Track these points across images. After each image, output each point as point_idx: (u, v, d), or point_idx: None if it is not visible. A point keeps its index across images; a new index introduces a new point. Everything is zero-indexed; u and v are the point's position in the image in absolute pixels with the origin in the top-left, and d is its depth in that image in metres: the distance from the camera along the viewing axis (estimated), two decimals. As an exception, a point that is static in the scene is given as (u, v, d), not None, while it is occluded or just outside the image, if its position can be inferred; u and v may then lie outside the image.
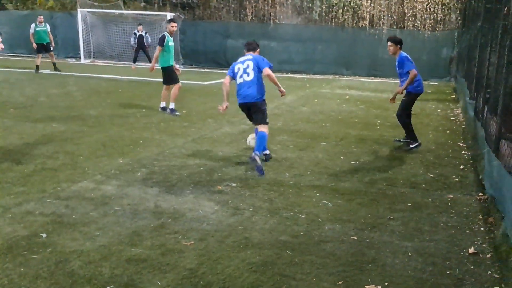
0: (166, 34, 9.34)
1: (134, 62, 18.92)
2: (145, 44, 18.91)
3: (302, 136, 7.93)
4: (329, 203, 4.76)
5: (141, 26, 18.99)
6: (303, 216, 4.39)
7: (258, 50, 6.87)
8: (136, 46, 18.79)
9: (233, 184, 5.26)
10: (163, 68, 9.34)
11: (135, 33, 19.03)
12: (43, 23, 16.53)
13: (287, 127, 8.59)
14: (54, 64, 16.54)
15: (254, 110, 6.38)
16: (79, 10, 21.58)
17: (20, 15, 23.76)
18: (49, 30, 16.66)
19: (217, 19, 22.44)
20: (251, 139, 6.66)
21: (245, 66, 6.42)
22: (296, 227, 4.15)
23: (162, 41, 9.12)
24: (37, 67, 16.14)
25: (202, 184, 5.25)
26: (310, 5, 21.22)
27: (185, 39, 22.05)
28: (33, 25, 16.23)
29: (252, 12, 21.82)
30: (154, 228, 4.01)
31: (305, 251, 3.68)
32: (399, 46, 7.10)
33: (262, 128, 6.18)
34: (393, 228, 4.17)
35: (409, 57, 7.08)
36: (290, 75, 20.43)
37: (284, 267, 3.42)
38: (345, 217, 4.40)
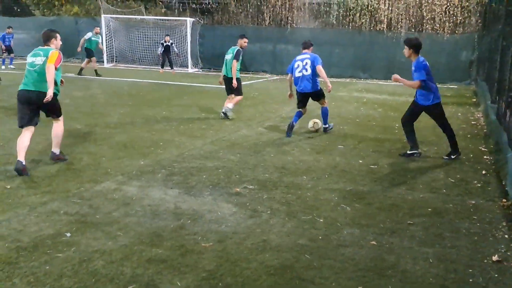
0: (240, 49, 9.89)
1: (162, 67, 20.19)
2: (171, 53, 20.02)
3: (319, 139, 7.93)
4: (347, 207, 4.76)
5: (168, 37, 20.06)
6: (321, 220, 4.40)
7: (312, 47, 8.93)
8: (162, 53, 19.88)
9: (251, 187, 5.30)
10: (237, 79, 9.67)
11: (162, 43, 19.80)
12: (98, 34, 17.81)
13: (304, 130, 8.61)
14: (95, 70, 17.45)
15: (312, 96, 8.42)
16: (102, 16, 21.96)
17: (47, 21, 24.27)
18: (100, 40, 17.86)
19: (235, 24, 22.58)
20: (311, 123, 8.55)
21: (304, 63, 8.29)
22: (314, 230, 4.16)
23: (238, 55, 9.69)
24: (81, 69, 17.22)
25: (220, 186, 5.30)
26: (328, 9, 21.21)
27: (204, 43, 22.24)
28: (89, 34, 17.24)
29: (269, 17, 21.89)
30: (174, 229, 4.07)
31: (323, 255, 3.69)
32: (412, 49, 6.64)
33: (324, 104, 8.48)
34: (413, 234, 4.15)
35: (427, 65, 6.61)
36: (307, 78, 20.42)
37: (303, 271, 3.44)
38: (363, 222, 4.39)
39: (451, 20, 19.11)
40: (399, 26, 19.83)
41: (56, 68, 5.77)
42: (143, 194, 4.93)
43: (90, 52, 17.28)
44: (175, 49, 20.28)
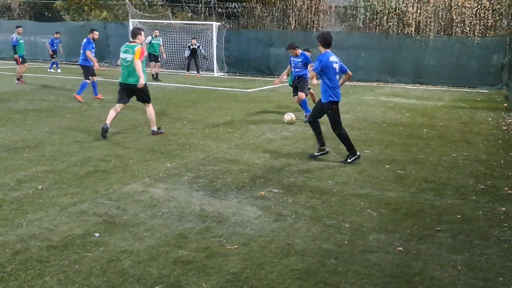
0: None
1: (188, 70, 20.49)
2: (199, 55, 20.25)
3: (345, 144, 7.86)
4: (373, 212, 4.71)
5: (195, 40, 20.24)
6: (347, 225, 4.36)
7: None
8: (189, 56, 20.11)
9: (275, 190, 5.30)
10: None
11: (189, 46, 20.10)
12: (158, 37, 18.18)
13: (329, 134, 8.51)
14: (156, 74, 17.80)
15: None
16: (130, 20, 22.40)
17: (77, 25, 24.92)
18: (161, 43, 18.26)
19: (260, 28, 22.66)
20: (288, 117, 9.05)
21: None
22: (339, 235, 4.13)
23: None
24: (156, 75, 17.61)
25: (245, 189, 5.32)
26: (354, 12, 21.07)
27: (230, 48, 22.40)
28: (149, 38, 17.64)
29: (295, 20, 21.90)
30: (199, 231, 4.11)
31: (349, 260, 3.66)
32: (319, 44, 6.56)
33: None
34: (441, 240, 4.08)
35: (327, 61, 6.45)
36: (333, 82, 20.31)
37: (328, 276, 3.42)
38: (390, 227, 4.34)
39: (482, 23, 18.71)
40: (427, 29, 19.53)
41: (141, 61, 7.48)
42: (169, 196, 4.99)
43: (154, 56, 17.62)
44: (203, 52, 20.46)
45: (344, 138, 6.68)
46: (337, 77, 6.66)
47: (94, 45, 11.85)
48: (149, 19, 22.77)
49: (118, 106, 7.80)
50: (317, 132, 6.93)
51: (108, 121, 7.61)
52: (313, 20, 21.64)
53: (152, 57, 17.63)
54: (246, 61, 22.29)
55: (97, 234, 3.94)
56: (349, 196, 5.18)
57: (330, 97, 6.58)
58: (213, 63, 21.58)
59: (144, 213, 4.47)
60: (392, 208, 4.84)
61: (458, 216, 4.67)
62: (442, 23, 19.45)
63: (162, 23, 22.64)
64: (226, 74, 22.01)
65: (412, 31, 19.66)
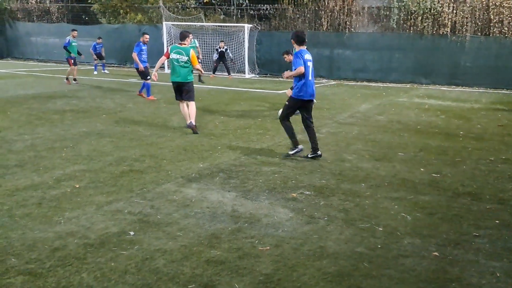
0: None
1: (214, 72, 20.68)
2: (226, 58, 20.39)
3: (378, 146, 7.76)
4: (408, 216, 4.62)
5: (223, 42, 20.44)
6: (381, 229, 4.30)
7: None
8: (217, 59, 20.33)
9: (307, 192, 5.27)
10: None
11: (217, 49, 20.27)
12: (193, 40, 18.25)
13: (362, 136, 8.45)
14: (199, 76, 17.97)
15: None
16: (164, 23, 22.78)
17: (112, 28, 25.54)
18: (197, 45, 18.39)
19: (292, 29, 22.60)
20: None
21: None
22: (373, 239, 4.07)
23: None
24: (199, 77, 17.72)
25: (277, 190, 5.31)
26: (388, 13, 20.75)
27: (261, 49, 22.45)
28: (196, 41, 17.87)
29: (327, 22, 21.75)
30: (232, 232, 4.13)
31: (382, 265, 3.61)
32: (293, 41, 6.72)
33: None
34: (479, 246, 3.96)
35: (302, 57, 6.53)
36: (365, 83, 20.08)
37: (361, 280, 3.37)
38: (425, 232, 4.25)
39: (521, 23, 18.10)
40: (464, 30, 19.03)
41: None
42: (202, 196, 5.04)
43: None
44: (230, 55, 20.65)
45: (287, 128, 6.92)
46: (310, 75, 6.69)
47: (143, 47, 12.59)
48: (182, 21, 23.09)
49: (181, 103, 8.73)
50: (289, 130, 7.01)
51: (187, 119, 8.59)
52: (346, 21, 21.44)
53: None
54: (277, 62, 22.23)
55: (132, 233, 4.02)
56: (382, 199, 5.10)
57: (299, 92, 6.67)
58: (244, 65, 21.68)
59: (177, 213, 4.53)
60: (427, 212, 4.73)
61: (497, 221, 4.53)
62: (479, 23, 18.91)
63: (195, 25, 22.91)
64: (257, 76, 22.07)
65: (447, 31, 19.21)
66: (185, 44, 8.55)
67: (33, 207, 4.54)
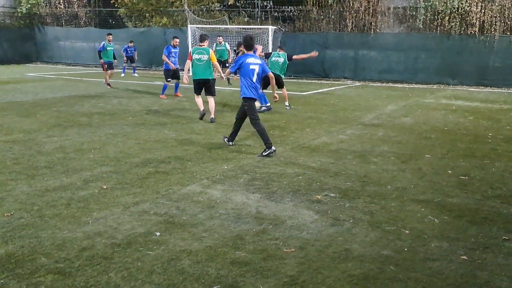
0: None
1: (235, 74, 20.56)
2: None
3: (404, 147, 7.65)
4: (435, 219, 4.54)
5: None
6: (407, 231, 4.24)
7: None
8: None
9: (332, 195, 5.24)
10: None
11: (234, 50, 20.27)
12: (223, 43, 18.80)
13: (388, 138, 8.35)
14: (228, 78, 18.04)
15: None
16: (189, 26, 23.01)
17: (138, 32, 25.97)
18: (228, 47, 18.90)
19: (316, 31, 22.53)
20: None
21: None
22: (399, 242, 4.02)
23: None
24: (228, 79, 17.92)
25: (301, 192, 5.30)
26: (414, 13, 20.45)
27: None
28: (214, 45, 18.32)
29: (352, 22, 21.58)
30: (256, 233, 4.14)
31: (409, 268, 3.56)
32: (242, 46, 7.57)
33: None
34: (509, 250, 3.86)
35: (243, 62, 7.13)
36: (390, 84, 19.84)
37: (387, 283, 3.33)
38: (453, 235, 4.17)
39: (554, 21, 17.57)
40: (492, 29, 18.59)
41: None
42: (227, 198, 5.07)
43: (221, 62, 18.08)
44: None
45: (260, 132, 7.16)
46: (254, 78, 7.18)
47: (172, 50, 13.22)
48: (206, 24, 23.29)
49: (198, 97, 9.90)
50: (236, 127, 7.55)
51: (201, 107, 9.82)
52: (371, 22, 21.23)
53: (220, 63, 18.02)
54: (301, 64, 22.18)
55: (158, 233, 4.07)
56: (409, 202, 5.02)
57: (243, 94, 7.22)
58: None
59: (202, 214, 4.57)
60: (455, 215, 4.64)
61: (528, 225, 4.41)
62: (508, 22, 18.45)
63: (219, 28, 23.07)
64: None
65: (475, 31, 18.81)
66: (204, 45, 9.62)
67: (62, 208, 4.65)
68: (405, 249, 3.87)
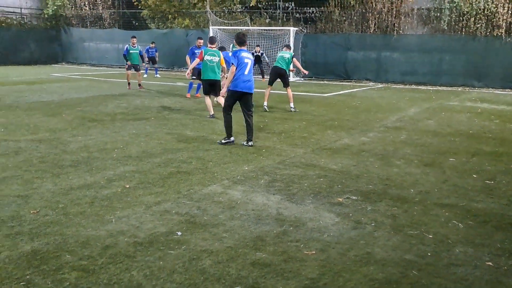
0: None
1: None
2: (262, 62, 20.44)
3: (427, 150, 7.54)
4: (459, 224, 4.45)
5: (259, 47, 20.58)
6: (430, 236, 4.17)
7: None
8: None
9: (353, 197, 5.20)
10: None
11: (253, 53, 20.38)
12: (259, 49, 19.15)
13: (410, 141, 8.24)
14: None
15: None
16: (211, 27, 23.17)
17: (160, 33, 26.25)
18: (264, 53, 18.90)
19: (338, 32, 22.39)
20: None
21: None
22: (422, 246, 3.96)
23: None
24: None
25: (322, 195, 5.27)
26: (438, 14, 20.15)
27: (306, 52, 22.36)
28: (231, 46, 18.53)
29: (374, 24, 21.38)
30: (277, 235, 4.13)
31: (433, 273, 3.50)
32: (235, 42, 8.13)
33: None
34: (537, 257, 3.77)
35: (234, 57, 7.65)
36: (413, 86, 19.59)
37: None
38: (478, 241, 4.08)
39: None
40: (520, 31, 18.19)
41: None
42: (247, 198, 5.07)
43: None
44: (266, 59, 20.56)
45: (226, 122, 7.73)
46: (247, 71, 7.66)
47: (195, 51, 13.14)
48: (228, 25, 23.39)
49: (208, 97, 10.33)
50: (227, 122, 7.79)
51: (210, 111, 10.37)
52: (394, 23, 21.00)
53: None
54: (322, 65, 22.13)
55: (179, 233, 4.10)
56: (432, 206, 4.94)
57: (234, 85, 7.63)
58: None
59: (223, 214, 4.58)
60: (480, 220, 4.55)
61: (557, 232, 4.29)
62: (537, 23, 18.02)
63: (241, 29, 23.13)
64: (302, 79, 21.99)
65: (502, 32, 18.42)
66: (214, 47, 10.18)
67: (86, 206, 4.73)
68: (429, 254, 3.81)
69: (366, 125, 9.91)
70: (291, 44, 21.26)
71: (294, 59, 12.00)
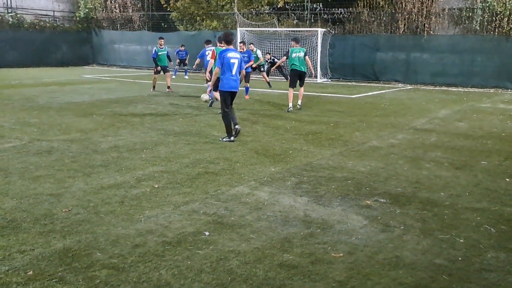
0: None
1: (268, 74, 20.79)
2: (283, 66, 20.16)
3: (458, 153, 7.37)
4: (492, 229, 4.34)
5: (269, 55, 20.31)
6: (461, 240, 4.08)
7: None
8: (268, 67, 20.33)
9: (382, 200, 5.13)
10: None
11: (266, 61, 20.42)
12: (254, 50, 18.50)
13: (441, 143, 8.08)
14: (268, 82, 18.14)
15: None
16: (238, 29, 23.28)
17: (189, 35, 26.53)
18: (260, 55, 18.92)
19: (367, 33, 22.15)
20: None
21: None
22: (453, 251, 3.88)
23: None
24: (268, 83, 17.90)
25: (350, 197, 5.22)
26: (470, 14, 19.69)
27: (334, 53, 22.20)
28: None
29: (404, 24, 21.06)
30: (304, 237, 4.12)
31: (463, 278, 3.42)
32: (223, 42, 8.43)
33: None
34: None
35: (221, 57, 7.74)
36: (444, 88, 19.19)
37: (440, 292, 3.23)
38: (511, 246, 3.97)
39: None
40: (556, 30, 17.59)
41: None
42: (274, 200, 5.08)
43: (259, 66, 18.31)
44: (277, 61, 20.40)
45: (226, 121, 7.88)
46: (234, 71, 7.85)
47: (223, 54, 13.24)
48: (255, 27, 23.46)
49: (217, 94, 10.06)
50: (227, 121, 7.95)
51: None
52: (424, 24, 20.63)
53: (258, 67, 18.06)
54: (350, 66, 21.93)
55: (207, 233, 4.14)
56: (463, 210, 4.84)
57: (222, 87, 7.84)
58: (316, 69, 21.53)
59: (250, 215, 4.60)
60: (514, 226, 4.43)
61: None
62: None
63: (268, 30, 23.18)
64: (330, 80, 21.85)
65: (537, 32, 17.85)
66: (231, 46, 10.33)
67: (116, 205, 4.82)
68: (459, 259, 3.73)
69: (394, 127, 9.77)
70: (318, 45, 21.16)
71: (307, 57, 11.85)
